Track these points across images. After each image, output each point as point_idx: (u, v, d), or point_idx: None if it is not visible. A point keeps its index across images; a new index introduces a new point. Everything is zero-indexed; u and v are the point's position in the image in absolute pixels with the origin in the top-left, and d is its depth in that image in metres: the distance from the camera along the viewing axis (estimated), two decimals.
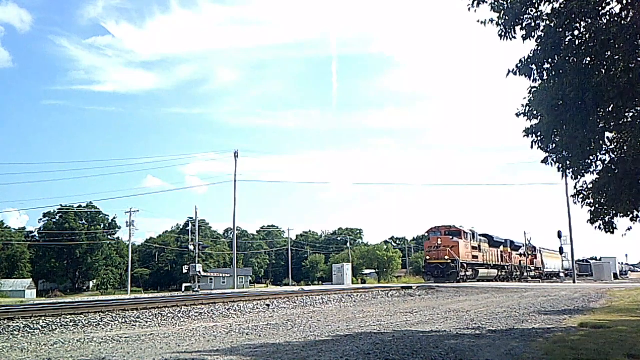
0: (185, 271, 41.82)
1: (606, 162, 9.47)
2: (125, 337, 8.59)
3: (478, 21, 8.10)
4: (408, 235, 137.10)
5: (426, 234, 35.94)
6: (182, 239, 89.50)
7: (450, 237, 34.09)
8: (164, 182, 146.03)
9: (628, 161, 8.64)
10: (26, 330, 9.74)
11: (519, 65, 8.18)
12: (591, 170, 9.44)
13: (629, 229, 10.27)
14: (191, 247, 41.55)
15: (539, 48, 7.83)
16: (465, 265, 33.94)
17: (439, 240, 33.96)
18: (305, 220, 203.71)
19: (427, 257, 34.32)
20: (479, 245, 37.54)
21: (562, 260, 60.67)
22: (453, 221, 36.80)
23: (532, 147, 9.07)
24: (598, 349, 6.65)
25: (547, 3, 7.65)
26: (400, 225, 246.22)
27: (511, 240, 46.52)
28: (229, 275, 69.84)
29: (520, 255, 48.82)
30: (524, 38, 7.89)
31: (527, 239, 52.48)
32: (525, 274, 48.69)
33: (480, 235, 39.34)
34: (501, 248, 43.46)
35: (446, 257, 32.84)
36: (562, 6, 7.52)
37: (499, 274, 41.59)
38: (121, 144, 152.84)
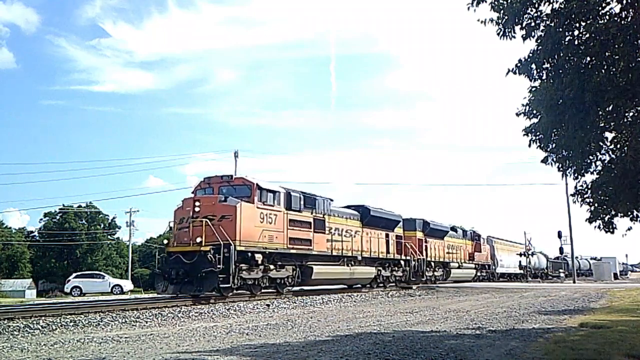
0: None
1: (606, 162, 9.48)
2: (125, 337, 8.59)
3: (478, 20, 8.12)
4: None
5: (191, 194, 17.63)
6: None
7: (223, 200, 15.96)
8: (164, 182, 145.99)
9: (628, 161, 8.64)
10: (26, 330, 9.73)
11: (518, 64, 8.19)
12: (591, 170, 9.46)
13: (628, 229, 10.30)
14: None
15: (539, 48, 7.83)
16: (259, 255, 16.28)
17: (197, 205, 15.59)
18: None
19: (166, 242, 17.10)
20: (320, 221, 19.46)
21: (529, 256, 50.68)
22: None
23: (529, 145, 9.09)
24: (598, 349, 6.66)
25: (547, 3, 7.65)
26: None
27: (426, 220, 29.80)
28: None
29: (449, 246, 32.64)
30: (524, 38, 7.89)
31: (528, 239, 51.97)
32: (455, 273, 33.06)
33: (344, 207, 22.61)
34: (396, 231, 25.83)
35: (199, 240, 15.01)
36: (562, 6, 7.52)
37: (385, 273, 24.47)
38: (121, 144, 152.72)
